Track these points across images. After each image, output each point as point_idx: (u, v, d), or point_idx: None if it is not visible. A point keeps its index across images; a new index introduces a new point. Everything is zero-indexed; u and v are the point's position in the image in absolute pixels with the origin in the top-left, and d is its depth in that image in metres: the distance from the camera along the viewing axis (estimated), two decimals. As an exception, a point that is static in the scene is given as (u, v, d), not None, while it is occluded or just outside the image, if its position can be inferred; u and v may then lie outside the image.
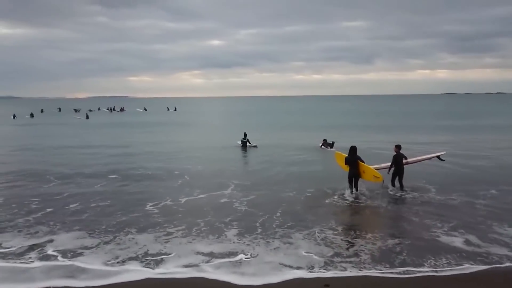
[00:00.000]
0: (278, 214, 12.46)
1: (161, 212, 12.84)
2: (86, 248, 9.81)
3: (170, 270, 8.64)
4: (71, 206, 13.49)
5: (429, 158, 17.46)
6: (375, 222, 12.56)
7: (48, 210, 13.03)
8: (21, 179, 17.80)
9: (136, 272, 8.54)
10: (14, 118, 69.17)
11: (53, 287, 7.96)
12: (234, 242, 10.14)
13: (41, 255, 9.44)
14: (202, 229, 11.13)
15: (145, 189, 16.01)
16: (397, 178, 15.52)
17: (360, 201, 14.07)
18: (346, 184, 15.03)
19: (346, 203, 13.90)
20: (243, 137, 28.34)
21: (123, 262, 9.00)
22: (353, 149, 15.12)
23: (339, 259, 9.05)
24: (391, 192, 15.05)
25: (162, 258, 9.19)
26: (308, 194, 15.08)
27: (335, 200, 14.23)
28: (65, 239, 10.39)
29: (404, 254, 9.28)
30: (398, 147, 15.62)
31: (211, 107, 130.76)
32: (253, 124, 51.32)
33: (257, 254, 9.37)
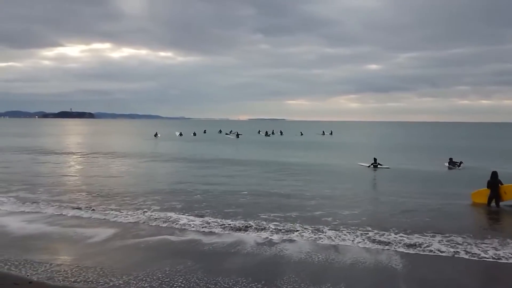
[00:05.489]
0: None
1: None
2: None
3: None
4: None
5: None
6: None
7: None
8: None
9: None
10: (180, 135, 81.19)
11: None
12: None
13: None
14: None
15: (269, 205, 17.11)
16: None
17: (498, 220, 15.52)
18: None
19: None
20: (373, 161, 29.85)
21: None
22: (494, 174, 16.92)
23: None
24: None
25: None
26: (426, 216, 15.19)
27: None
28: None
29: None
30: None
31: (368, 132, 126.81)
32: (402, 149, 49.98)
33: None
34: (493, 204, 16.82)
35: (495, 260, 10.74)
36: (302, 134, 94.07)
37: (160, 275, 9.70)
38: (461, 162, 29.69)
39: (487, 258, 10.82)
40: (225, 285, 9.19)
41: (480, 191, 17.35)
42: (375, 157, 30.43)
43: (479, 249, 11.41)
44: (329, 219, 14.74)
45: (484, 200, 16.97)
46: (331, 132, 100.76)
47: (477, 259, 10.83)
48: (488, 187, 16.88)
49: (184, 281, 9.36)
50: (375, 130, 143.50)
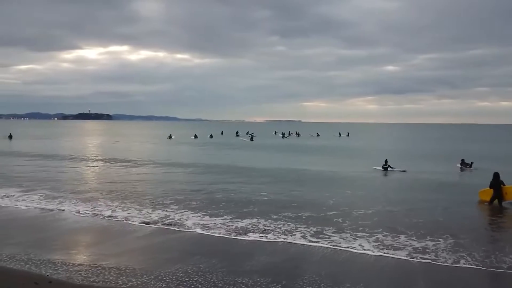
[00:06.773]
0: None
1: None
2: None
3: None
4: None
5: None
6: None
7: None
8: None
9: None
10: (195, 137, 77.48)
11: None
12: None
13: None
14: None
15: (286, 209, 16.86)
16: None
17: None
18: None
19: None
20: (384, 163, 29.92)
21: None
22: (496, 175, 17.43)
23: None
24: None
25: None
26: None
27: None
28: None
29: None
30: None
31: (385, 134, 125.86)
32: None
33: None
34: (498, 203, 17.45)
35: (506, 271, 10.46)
36: (318, 135, 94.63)
37: (180, 275, 9.69)
38: (472, 163, 30.17)
39: (498, 268, 10.54)
40: (245, 286, 9.15)
41: (486, 190, 17.97)
42: (386, 159, 30.44)
43: (487, 256, 11.24)
44: (345, 223, 14.64)
45: (488, 197, 17.64)
46: (348, 133, 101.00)
47: (486, 268, 10.57)
48: (490, 187, 17.56)
49: (204, 282, 9.34)
50: (392, 132, 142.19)
